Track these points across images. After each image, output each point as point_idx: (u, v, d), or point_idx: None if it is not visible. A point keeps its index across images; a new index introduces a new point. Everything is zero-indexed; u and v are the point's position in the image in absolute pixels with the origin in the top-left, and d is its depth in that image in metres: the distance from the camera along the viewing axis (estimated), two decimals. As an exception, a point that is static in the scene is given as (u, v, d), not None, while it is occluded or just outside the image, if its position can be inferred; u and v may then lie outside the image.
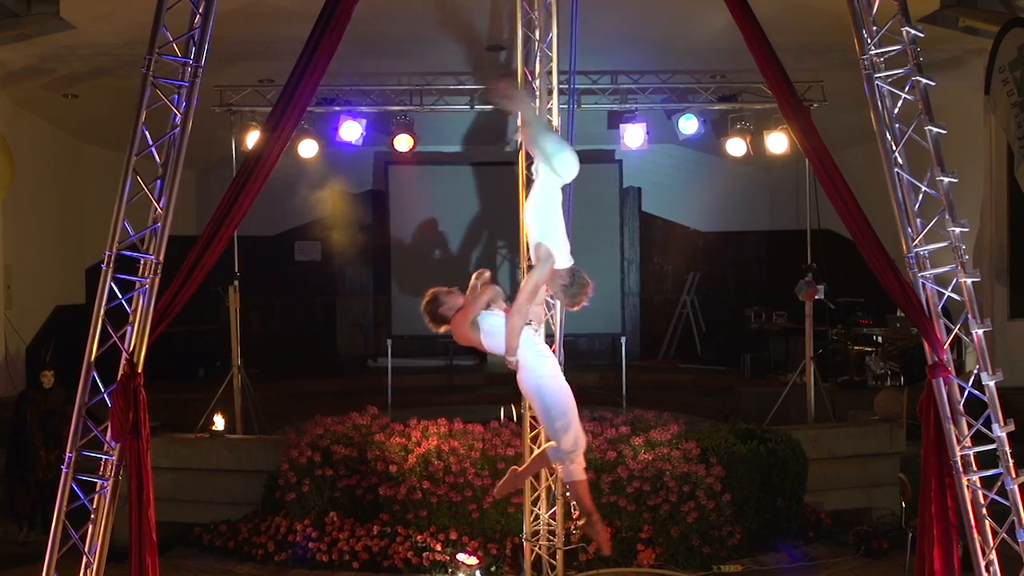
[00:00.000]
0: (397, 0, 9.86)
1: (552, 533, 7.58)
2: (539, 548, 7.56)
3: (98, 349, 5.03)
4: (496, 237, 14.12)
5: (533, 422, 7.47)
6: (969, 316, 5.14)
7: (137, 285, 5.02)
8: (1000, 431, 5.07)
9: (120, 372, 4.98)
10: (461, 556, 7.76)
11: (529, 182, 6.50)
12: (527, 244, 6.26)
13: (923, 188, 5.20)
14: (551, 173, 6.07)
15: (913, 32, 5.22)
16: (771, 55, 5.61)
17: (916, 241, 5.19)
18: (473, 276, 6.23)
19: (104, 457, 5.01)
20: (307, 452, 8.56)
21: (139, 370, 4.98)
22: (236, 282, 11.21)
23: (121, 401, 4.93)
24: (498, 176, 13.58)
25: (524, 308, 5.92)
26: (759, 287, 16.64)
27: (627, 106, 12.20)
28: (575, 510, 7.55)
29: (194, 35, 5.12)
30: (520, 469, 6.75)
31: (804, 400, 11.18)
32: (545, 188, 6.11)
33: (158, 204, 5.06)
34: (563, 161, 6.08)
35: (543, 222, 6.03)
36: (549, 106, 7.32)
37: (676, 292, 17.19)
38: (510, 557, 7.87)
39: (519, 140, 6.93)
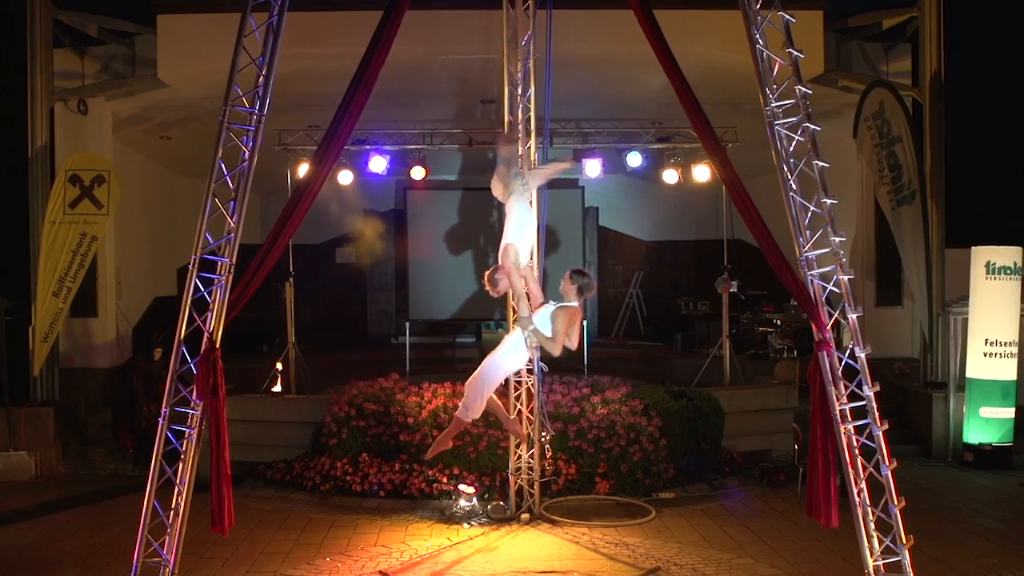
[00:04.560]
0: (413, 65, 9.83)
1: (531, 469, 7.60)
2: (521, 480, 7.57)
3: (186, 329, 5.00)
4: (488, 245, 14.06)
5: (516, 385, 7.48)
6: (846, 304, 5.15)
7: (215, 281, 4.99)
8: (869, 391, 5.09)
9: (203, 347, 4.95)
10: (462, 486, 7.76)
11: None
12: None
13: (811, 208, 5.20)
14: (520, 191, 6.10)
15: (804, 90, 5.22)
16: (697, 107, 5.61)
17: (806, 248, 5.19)
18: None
19: (191, 412, 4.98)
20: (345, 408, 8.54)
21: (217, 346, 4.95)
22: (291, 279, 11.19)
23: (204, 369, 4.90)
24: (491, 199, 13.46)
25: (516, 285, 5.90)
26: (688, 282, 16.64)
27: (587, 145, 12.17)
28: (549, 451, 7.60)
29: (258, 91, 5.08)
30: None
31: (722, 368, 11.22)
32: (516, 203, 6.13)
33: (231, 219, 5.03)
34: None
35: (514, 228, 6.04)
36: (529, 144, 7.34)
37: (625, 286, 17.19)
38: (499, 487, 7.86)
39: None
